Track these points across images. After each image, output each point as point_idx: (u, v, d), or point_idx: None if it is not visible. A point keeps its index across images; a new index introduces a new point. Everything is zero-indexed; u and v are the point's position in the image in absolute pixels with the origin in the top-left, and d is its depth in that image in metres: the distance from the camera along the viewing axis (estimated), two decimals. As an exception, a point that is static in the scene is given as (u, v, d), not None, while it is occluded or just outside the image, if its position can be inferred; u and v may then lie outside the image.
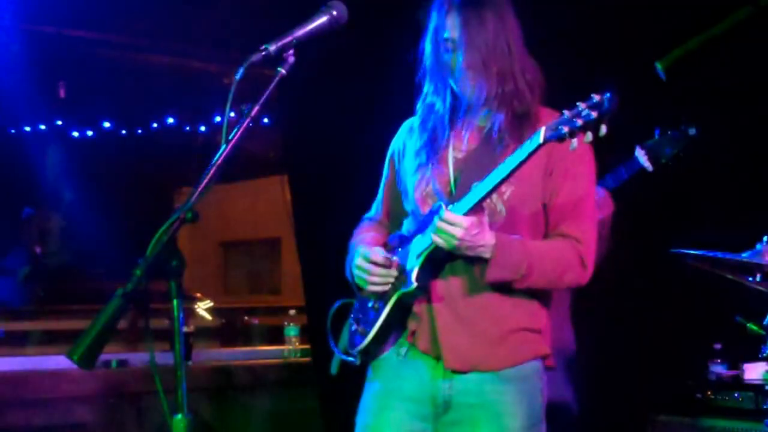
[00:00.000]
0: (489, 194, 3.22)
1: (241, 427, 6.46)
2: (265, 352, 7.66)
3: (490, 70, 3.39)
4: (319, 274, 6.24)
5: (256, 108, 3.02)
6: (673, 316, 5.49)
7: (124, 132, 11.84)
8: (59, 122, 11.56)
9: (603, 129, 3.01)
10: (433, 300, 3.44)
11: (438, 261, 3.40)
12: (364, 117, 5.90)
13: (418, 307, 3.47)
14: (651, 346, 5.55)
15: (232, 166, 2.93)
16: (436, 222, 3.21)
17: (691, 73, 4.92)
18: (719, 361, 5.00)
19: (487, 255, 3.27)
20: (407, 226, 3.63)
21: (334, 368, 3.83)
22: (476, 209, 3.24)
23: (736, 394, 4.76)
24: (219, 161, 2.91)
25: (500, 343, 3.44)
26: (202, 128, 11.43)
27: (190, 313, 11.10)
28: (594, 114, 2.99)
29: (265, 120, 8.99)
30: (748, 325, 4.51)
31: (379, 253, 3.48)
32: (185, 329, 5.69)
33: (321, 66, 5.13)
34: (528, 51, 3.50)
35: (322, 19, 3.22)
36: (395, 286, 3.46)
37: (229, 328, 12.10)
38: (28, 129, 11.53)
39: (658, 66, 4.78)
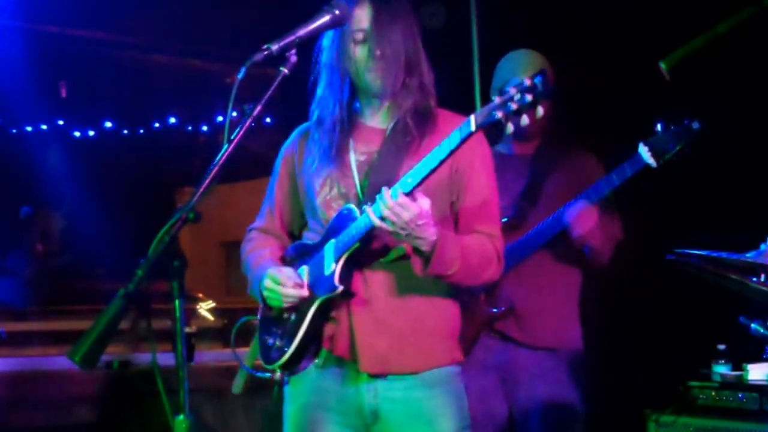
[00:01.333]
0: (416, 187, 3.19)
1: (244, 428, 6.44)
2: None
3: (399, 61, 3.40)
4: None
5: (259, 107, 3.03)
6: (677, 317, 5.48)
7: (125, 132, 11.80)
8: (60, 122, 11.52)
9: (540, 111, 3.03)
10: (352, 303, 3.42)
11: (357, 263, 3.39)
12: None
13: (337, 312, 3.44)
14: (654, 346, 5.54)
15: (235, 166, 2.93)
16: (388, 202, 3.15)
17: (695, 73, 4.90)
18: (723, 361, 4.98)
19: (424, 248, 3.26)
20: (309, 233, 3.62)
21: (238, 387, 3.90)
22: None
23: (740, 395, 4.75)
24: (221, 161, 2.91)
25: (419, 346, 3.44)
26: (204, 128, 11.39)
27: (192, 314, 11.08)
28: (529, 97, 3.00)
29: (268, 120, 8.99)
30: (752, 325, 4.49)
31: (289, 276, 3.44)
32: (187, 330, 5.68)
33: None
34: (426, 54, 3.53)
35: (325, 19, 3.24)
36: (313, 295, 3.42)
37: (232, 329, 12.08)
38: (29, 129, 11.50)
39: (662, 65, 4.76)
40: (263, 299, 3.54)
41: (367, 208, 3.25)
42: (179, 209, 2.75)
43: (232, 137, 2.94)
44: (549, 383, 4.62)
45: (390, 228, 3.20)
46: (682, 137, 4.37)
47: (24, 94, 8.99)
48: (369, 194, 3.36)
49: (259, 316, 3.71)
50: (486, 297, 4.63)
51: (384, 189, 3.18)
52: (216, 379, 6.39)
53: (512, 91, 3.03)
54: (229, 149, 2.93)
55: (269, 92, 3.08)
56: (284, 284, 3.42)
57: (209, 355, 7.24)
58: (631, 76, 5.38)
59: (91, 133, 11.81)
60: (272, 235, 3.77)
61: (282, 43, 3.13)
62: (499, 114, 3.04)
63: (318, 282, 3.41)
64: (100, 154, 11.57)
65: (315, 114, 3.60)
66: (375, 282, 3.43)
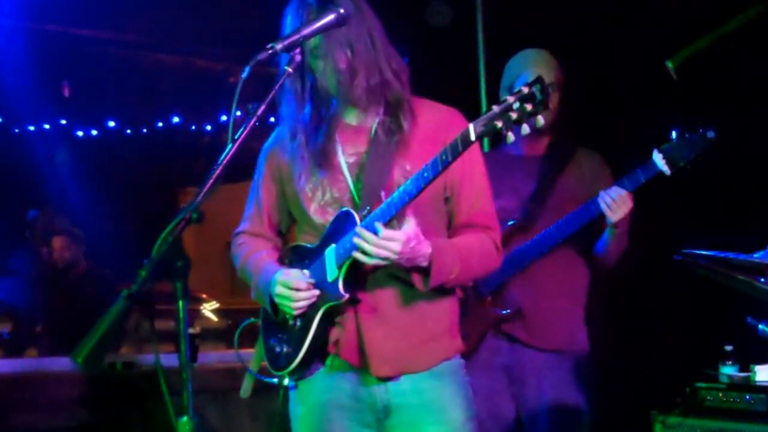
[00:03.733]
0: (411, 200, 3.18)
1: (247, 429, 6.43)
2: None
3: (356, 68, 3.34)
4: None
5: (263, 107, 3.00)
6: (684, 318, 5.46)
7: (129, 131, 11.80)
8: (63, 121, 11.53)
9: (540, 121, 3.01)
10: (359, 308, 3.40)
11: (360, 268, 3.36)
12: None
13: (341, 317, 3.42)
14: (661, 347, 5.53)
15: (239, 165, 2.91)
16: (373, 241, 3.15)
17: (702, 73, 4.89)
18: (730, 362, 4.96)
19: (424, 264, 3.26)
20: (303, 236, 3.58)
21: (246, 392, 3.85)
22: (398, 216, 3.22)
23: (747, 396, 4.72)
24: (225, 161, 2.90)
25: (426, 346, 3.44)
26: (208, 127, 11.40)
27: (196, 315, 11.09)
28: (529, 106, 2.97)
29: (272, 119, 8.96)
30: (759, 326, 4.48)
31: (299, 278, 3.40)
32: (191, 330, 5.67)
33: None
34: (388, 41, 3.46)
35: (329, 17, 3.21)
36: (318, 302, 3.40)
37: (236, 330, 12.07)
38: (32, 128, 11.51)
39: (669, 65, 4.75)
40: (272, 305, 3.51)
41: (356, 255, 3.23)
42: (183, 209, 2.74)
43: (236, 137, 2.93)
44: (555, 385, 4.61)
45: (383, 263, 3.21)
46: (697, 146, 4.34)
47: (26, 93, 9.00)
48: (363, 196, 3.35)
49: (261, 320, 3.68)
50: (493, 298, 4.62)
51: (359, 230, 3.17)
52: (220, 380, 6.39)
53: (510, 99, 3.01)
54: (233, 149, 2.91)
55: (273, 92, 3.06)
56: (298, 288, 3.39)
57: (213, 356, 7.24)
58: (638, 76, 5.37)
59: (94, 132, 11.82)
60: (262, 237, 3.72)
61: (286, 43, 3.11)
62: (499, 124, 3.02)
63: (322, 288, 3.39)
64: (103, 154, 11.57)
65: (288, 118, 3.53)
66: (379, 286, 3.41)
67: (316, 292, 3.39)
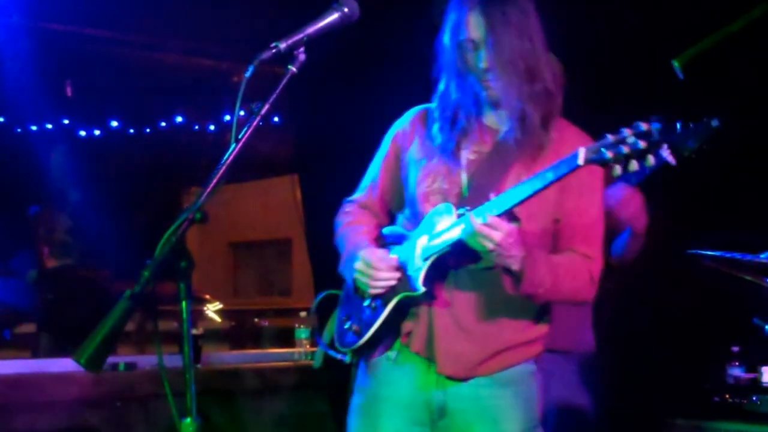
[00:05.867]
0: (514, 207, 3.15)
1: (251, 431, 6.42)
2: (275, 354, 7.58)
3: (515, 70, 3.32)
4: (330, 275, 6.19)
5: (266, 106, 2.99)
6: (691, 318, 5.45)
7: (132, 131, 11.81)
8: (66, 121, 11.53)
9: (651, 160, 2.95)
10: (435, 303, 3.39)
11: (444, 266, 3.36)
12: (375, 116, 5.87)
13: (417, 309, 3.42)
14: (668, 348, 5.51)
15: (242, 165, 2.90)
16: (477, 225, 3.11)
17: (712, 72, 4.87)
18: (737, 363, 4.97)
19: (514, 267, 3.21)
20: (402, 221, 3.59)
21: (318, 362, 3.82)
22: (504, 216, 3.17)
23: (754, 398, 4.74)
24: (228, 161, 2.88)
25: (498, 354, 3.41)
26: (212, 127, 11.40)
27: (199, 315, 11.11)
28: (642, 144, 2.92)
29: (276, 119, 8.97)
30: (766, 327, 4.48)
31: (383, 259, 3.41)
32: (194, 331, 5.65)
33: (332, 64, 5.09)
34: (547, 50, 3.43)
35: (334, 17, 3.19)
36: (397, 287, 3.39)
37: (239, 331, 12.09)
38: (34, 128, 11.51)
39: (675, 64, 4.74)
40: (353, 280, 3.51)
41: (455, 229, 3.21)
42: (186, 209, 2.72)
43: (239, 136, 2.91)
44: (561, 385, 4.59)
45: (479, 249, 3.16)
46: (701, 135, 4.32)
47: (29, 92, 8.98)
48: (471, 194, 3.33)
49: (342, 294, 3.69)
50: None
51: (469, 215, 3.14)
52: (223, 381, 6.39)
53: (627, 132, 2.95)
54: (237, 149, 2.89)
55: (277, 91, 3.04)
56: (377, 268, 3.38)
57: (216, 356, 7.22)
58: (646, 74, 5.35)
59: (97, 132, 11.82)
60: (370, 211, 3.73)
61: (290, 42, 3.09)
62: (609, 154, 2.96)
63: (404, 276, 3.39)
64: (106, 154, 11.59)
65: (435, 106, 3.55)
66: (460, 287, 3.39)
67: (397, 275, 3.38)
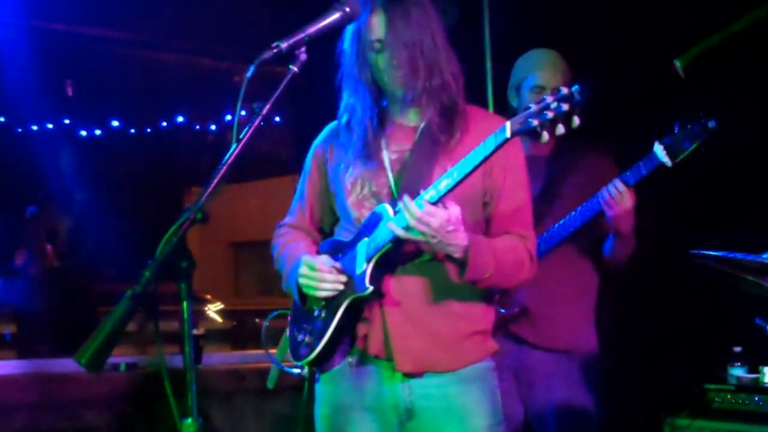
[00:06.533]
0: (447, 193, 3.17)
1: (252, 431, 6.42)
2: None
3: (417, 66, 3.37)
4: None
5: (268, 106, 2.99)
6: (692, 319, 5.45)
7: (132, 131, 11.82)
8: (67, 121, 11.54)
9: (576, 121, 2.99)
10: (385, 303, 3.41)
11: (389, 263, 3.38)
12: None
13: (369, 312, 3.43)
14: (669, 348, 5.51)
15: (243, 165, 2.90)
16: (414, 212, 3.13)
17: (712, 72, 4.87)
18: (739, 364, 4.96)
19: (456, 254, 3.25)
20: (341, 230, 3.61)
21: (271, 382, 3.93)
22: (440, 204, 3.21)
23: (756, 398, 4.73)
24: (230, 160, 2.88)
25: (454, 346, 3.44)
26: (213, 127, 11.41)
27: (201, 316, 11.11)
28: (565, 106, 2.97)
29: (277, 119, 8.97)
30: (768, 327, 4.47)
31: (325, 262, 3.43)
32: (195, 332, 5.66)
33: (334, 64, 5.09)
34: (448, 45, 3.48)
35: (335, 16, 3.21)
36: (344, 293, 3.41)
37: (240, 331, 12.09)
38: (35, 128, 11.51)
39: (677, 64, 4.73)
40: (298, 289, 3.53)
41: (389, 224, 3.24)
42: (187, 209, 2.73)
43: (240, 136, 2.91)
44: (563, 386, 4.60)
45: (418, 238, 3.19)
46: (697, 136, 4.34)
47: (30, 92, 8.98)
48: (402, 193, 3.32)
49: (291, 312, 3.70)
50: (499, 298, 4.60)
51: (406, 198, 3.17)
52: (224, 381, 6.38)
53: (549, 99, 3.00)
54: (238, 148, 2.89)
55: (278, 91, 3.04)
56: (321, 270, 3.41)
57: (217, 357, 7.22)
58: (647, 74, 5.35)
59: (98, 132, 11.83)
60: (303, 230, 3.76)
61: (291, 41, 3.09)
62: (534, 122, 3.01)
63: (350, 280, 3.40)
64: (107, 154, 11.58)
65: (344, 118, 3.58)
66: (408, 282, 3.41)
67: (342, 278, 3.40)
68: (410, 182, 3.36)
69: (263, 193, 14.62)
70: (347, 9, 3.23)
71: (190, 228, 2.71)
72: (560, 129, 3.00)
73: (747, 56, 5.11)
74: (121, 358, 6.20)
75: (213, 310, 11.71)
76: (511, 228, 3.48)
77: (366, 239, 3.38)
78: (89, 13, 6.96)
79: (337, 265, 3.43)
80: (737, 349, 5.03)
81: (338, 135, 3.63)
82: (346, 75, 3.52)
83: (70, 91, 10.04)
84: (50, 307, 9.48)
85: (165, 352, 2.78)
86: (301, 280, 3.47)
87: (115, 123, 11.56)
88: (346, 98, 3.56)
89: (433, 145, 3.42)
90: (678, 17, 5.34)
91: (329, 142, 3.67)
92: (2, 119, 11.29)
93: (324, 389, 3.60)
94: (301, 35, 3.11)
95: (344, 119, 3.58)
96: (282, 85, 3.05)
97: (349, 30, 3.46)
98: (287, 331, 3.71)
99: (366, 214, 3.44)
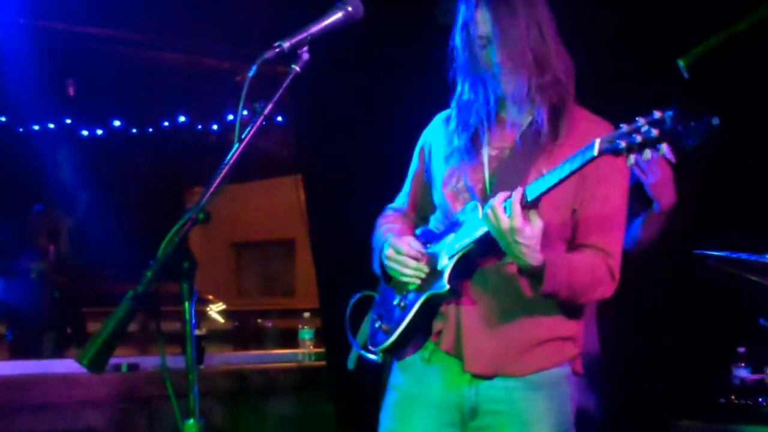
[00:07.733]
0: (537, 199, 3.12)
1: (254, 431, 6.42)
2: (278, 355, 7.59)
3: (525, 62, 3.32)
4: (333, 275, 6.20)
5: (270, 106, 2.97)
6: (696, 319, 5.43)
7: (134, 131, 11.83)
8: (68, 121, 11.55)
9: (664, 149, 2.89)
10: (462, 301, 3.39)
11: (471, 263, 3.35)
12: (379, 115, 5.86)
13: (446, 307, 3.41)
14: (673, 349, 5.50)
15: (245, 165, 2.89)
16: (501, 217, 3.09)
17: (716, 71, 4.85)
18: (743, 364, 4.94)
19: (532, 262, 3.18)
20: (435, 222, 3.59)
21: (351, 363, 3.80)
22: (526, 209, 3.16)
23: (760, 399, 4.71)
24: (232, 160, 2.86)
25: (528, 352, 3.39)
26: (215, 127, 11.42)
27: (202, 316, 11.12)
28: (655, 132, 2.87)
29: (279, 118, 8.97)
30: (772, 328, 4.46)
31: (411, 245, 3.43)
32: (197, 332, 5.64)
33: (336, 63, 5.08)
34: (559, 39, 3.42)
35: (337, 15, 3.18)
36: (424, 285, 3.40)
37: (242, 331, 12.11)
38: (36, 128, 11.52)
39: (680, 63, 4.72)
40: (383, 270, 3.54)
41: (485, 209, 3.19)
42: (189, 209, 2.72)
43: (242, 136, 2.90)
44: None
45: (504, 242, 3.14)
46: (701, 133, 4.32)
47: (31, 92, 8.99)
48: (496, 190, 3.30)
49: (377, 296, 3.70)
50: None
51: (495, 205, 3.12)
52: (226, 382, 6.39)
53: (641, 121, 2.91)
54: (240, 148, 2.88)
55: (281, 90, 3.03)
56: (406, 253, 3.41)
57: (219, 357, 7.23)
58: (649, 72, 5.33)
59: (100, 132, 11.83)
60: (405, 215, 3.77)
61: (294, 41, 3.08)
62: (622, 144, 2.92)
63: (431, 274, 3.39)
64: (109, 154, 11.60)
65: (455, 105, 3.55)
66: (488, 284, 3.38)
67: (425, 267, 3.39)
68: (503, 182, 3.31)
69: (265, 194, 14.65)
70: (350, 8, 3.21)
71: (192, 228, 2.70)
72: (647, 154, 2.90)
73: (750, 55, 5.10)
74: (122, 358, 6.20)
75: (215, 310, 11.73)
76: (594, 239, 3.39)
77: (453, 235, 3.36)
78: (91, 13, 6.97)
79: (423, 251, 3.42)
80: (741, 349, 5.01)
81: (446, 125, 3.60)
82: (459, 69, 3.47)
83: (71, 91, 10.04)
84: (50, 307, 9.49)
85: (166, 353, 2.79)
86: (386, 261, 3.48)
87: (117, 123, 11.57)
88: (459, 90, 3.51)
89: (534, 146, 3.37)
90: (681, 16, 5.33)
91: (436, 133, 3.65)
92: (4, 119, 11.31)
93: (395, 377, 3.59)
94: (304, 35, 3.10)
95: (455, 108, 3.54)
96: (284, 85, 3.04)
97: (458, 24, 3.42)
98: (369, 315, 3.70)
99: (459, 207, 3.42)
